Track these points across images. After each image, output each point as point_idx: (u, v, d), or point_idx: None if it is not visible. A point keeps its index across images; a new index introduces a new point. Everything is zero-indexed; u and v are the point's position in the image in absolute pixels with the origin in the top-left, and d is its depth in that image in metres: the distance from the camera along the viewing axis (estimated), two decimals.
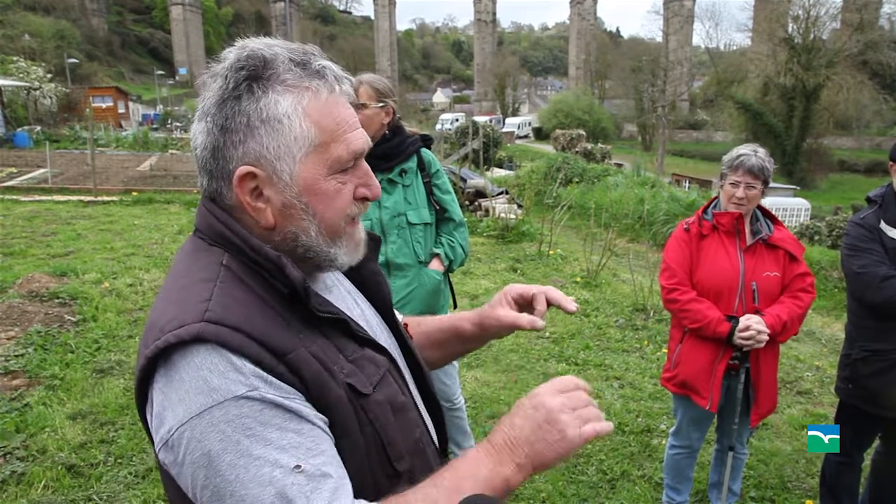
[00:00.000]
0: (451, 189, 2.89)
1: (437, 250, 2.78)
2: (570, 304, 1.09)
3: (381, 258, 2.57)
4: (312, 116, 0.86)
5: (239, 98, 0.84)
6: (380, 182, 2.59)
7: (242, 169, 0.85)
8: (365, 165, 0.93)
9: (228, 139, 0.85)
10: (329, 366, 0.84)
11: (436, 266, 2.76)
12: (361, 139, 0.90)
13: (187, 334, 0.77)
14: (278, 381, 0.79)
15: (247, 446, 0.74)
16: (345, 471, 0.80)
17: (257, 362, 0.78)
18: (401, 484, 0.88)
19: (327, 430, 0.81)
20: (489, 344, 5.05)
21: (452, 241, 2.83)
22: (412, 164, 2.73)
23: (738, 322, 2.45)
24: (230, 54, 0.87)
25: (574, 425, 0.85)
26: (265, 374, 0.78)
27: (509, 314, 1.10)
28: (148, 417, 0.82)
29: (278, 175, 0.86)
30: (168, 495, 0.90)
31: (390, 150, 2.65)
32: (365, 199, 0.93)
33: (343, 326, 0.90)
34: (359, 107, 2.52)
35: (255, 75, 0.84)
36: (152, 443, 0.83)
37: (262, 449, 0.74)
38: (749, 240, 2.56)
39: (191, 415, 0.75)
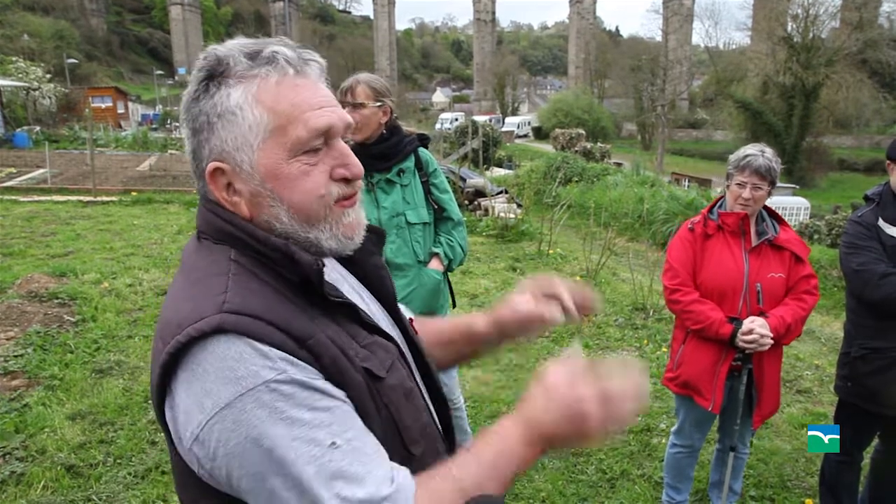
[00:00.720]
0: (448, 188, 2.89)
1: (436, 250, 2.78)
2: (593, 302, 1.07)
3: None
4: (265, 102, 0.86)
5: (198, 99, 0.87)
6: (377, 182, 2.62)
7: (210, 165, 0.87)
8: (341, 145, 0.91)
9: (198, 139, 0.88)
10: (346, 350, 0.85)
11: (435, 265, 2.76)
12: (324, 117, 0.88)
13: (208, 326, 0.77)
14: (303, 364, 0.80)
15: (282, 430, 0.75)
16: (374, 439, 0.83)
17: (281, 348, 0.79)
18: (415, 468, 0.89)
19: (351, 404, 0.83)
20: None
21: (451, 241, 2.83)
22: (410, 163, 2.72)
23: (740, 324, 2.44)
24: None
25: (598, 422, 0.87)
26: (291, 357, 0.79)
27: (527, 303, 1.05)
28: (168, 415, 0.81)
29: (240, 166, 0.87)
30: (180, 494, 0.90)
31: (388, 150, 2.64)
32: (345, 180, 0.91)
33: (353, 313, 0.91)
34: (356, 106, 2.52)
35: (211, 74, 0.87)
36: (169, 441, 0.83)
37: (297, 430, 0.75)
38: (754, 240, 2.54)
39: (220, 406, 0.75)
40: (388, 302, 1.09)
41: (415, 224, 2.69)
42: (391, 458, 0.87)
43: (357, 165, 0.92)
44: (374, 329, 0.94)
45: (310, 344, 0.82)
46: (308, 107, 0.87)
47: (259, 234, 0.87)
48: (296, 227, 0.89)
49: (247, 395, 0.75)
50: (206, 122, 0.86)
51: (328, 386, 0.81)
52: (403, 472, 0.82)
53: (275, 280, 0.86)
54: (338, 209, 0.91)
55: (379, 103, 2.58)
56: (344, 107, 2.44)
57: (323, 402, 0.79)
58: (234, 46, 0.88)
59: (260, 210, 0.88)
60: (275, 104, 0.86)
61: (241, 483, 0.76)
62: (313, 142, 0.87)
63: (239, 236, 0.88)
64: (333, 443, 0.76)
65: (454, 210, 2.87)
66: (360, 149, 2.54)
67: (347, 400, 0.83)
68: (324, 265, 0.87)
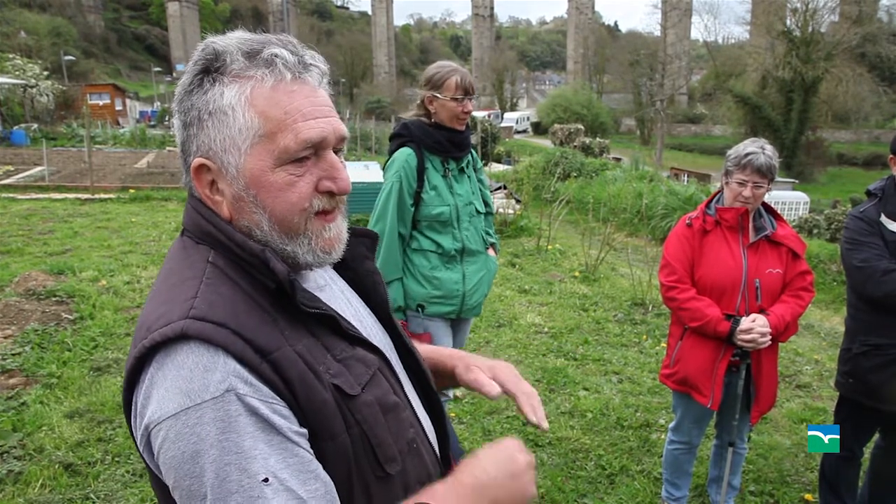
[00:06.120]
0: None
1: (492, 240, 2.98)
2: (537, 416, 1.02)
3: (457, 244, 2.70)
4: (258, 106, 0.84)
5: (191, 92, 0.86)
6: (451, 171, 2.73)
7: (196, 161, 0.86)
8: (331, 157, 0.88)
9: (187, 134, 0.87)
10: (314, 366, 0.83)
11: (492, 254, 2.96)
12: (316, 129, 0.86)
13: (172, 332, 0.77)
14: (259, 383, 0.78)
15: (217, 453, 0.74)
16: (317, 483, 0.78)
17: (240, 360, 0.77)
18: (392, 486, 0.87)
19: (299, 440, 0.79)
20: (487, 340, 5.05)
21: (494, 234, 3.04)
22: (470, 157, 2.88)
23: (738, 321, 2.43)
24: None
25: (531, 483, 0.91)
26: (247, 373, 0.77)
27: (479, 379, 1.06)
28: (132, 416, 0.82)
29: (226, 168, 0.86)
30: (154, 491, 0.90)
31: (464, 141, 2.77)
32: (331, 193, 0.89)
33: (332, 323, 0.88)
34: (470, 97, 2.65)
35: (206, 69, 0.86)
36: (135, 442, 0.83)
37: (232, 456, 0.74)
38: (752, 236, 2.53)
39: (167, 415, 0.75)
40: (380, 307, 1.07)
41: (480, 214, 2.87)
42: (364, 478, 0.85)
43: (345, 180, 0.89)
44: (356, 340, 0.91)
45: (274, 357, 0.79)
46: (301, 116, 0.85)
47: (237, 237, 0.86)
48: (275, 237, 0.87)
49: (192, 410, 0.74)
50: (197, 117, 0.85)
51: (276, 417, 0.77)
52: None
53: (250, 285, 0.85)
54: (318, 223, 0.89)
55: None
56: (464, 98, 2.61)
57: (262, 434, 0.76)
58: (233, 42, 0.86)
59: (241, 214, 0.87)
60: (267, 109, 0.84)
61: (175, 494, 0.77)
62: (301, 152, 0.85)
63: (219, 238, 0.87)
64: (265, 479, 0.74)
65: (493, 206, 3.06)
66: (451, 135, 2.70)
67: (293, 434, 0.79)
68: (296, 276, 0.86)
